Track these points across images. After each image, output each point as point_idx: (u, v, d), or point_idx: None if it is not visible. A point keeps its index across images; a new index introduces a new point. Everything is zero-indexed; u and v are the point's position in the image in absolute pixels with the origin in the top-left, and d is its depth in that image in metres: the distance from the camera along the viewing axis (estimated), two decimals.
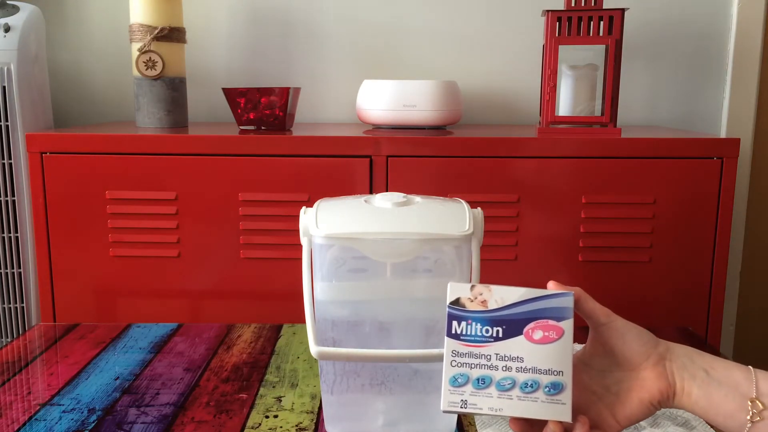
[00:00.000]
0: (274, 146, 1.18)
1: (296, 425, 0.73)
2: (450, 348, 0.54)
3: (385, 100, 1.35)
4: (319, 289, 0.67)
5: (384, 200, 0.68)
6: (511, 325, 0.54)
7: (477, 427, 0.73)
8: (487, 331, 0.54)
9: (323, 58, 1.61)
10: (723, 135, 1.59)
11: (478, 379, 0.53)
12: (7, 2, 1.38)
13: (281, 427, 0.73)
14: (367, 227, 0.65)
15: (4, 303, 1.35)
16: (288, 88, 1.32)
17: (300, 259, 0.66)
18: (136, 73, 1.36)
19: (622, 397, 0.56)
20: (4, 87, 1.31)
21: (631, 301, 1.19)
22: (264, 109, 1.33)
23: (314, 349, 0.62)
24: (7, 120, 1.31)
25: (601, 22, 1.21)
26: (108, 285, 1.21)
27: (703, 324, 1.21)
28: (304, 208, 0.69)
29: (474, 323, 0.54)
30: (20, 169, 1.32)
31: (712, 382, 0.55)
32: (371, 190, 1.18)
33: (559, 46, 1.22)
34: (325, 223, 0.65)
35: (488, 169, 1.17)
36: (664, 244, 1.18)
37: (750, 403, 0.53)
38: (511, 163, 1.17)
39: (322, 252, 0.66)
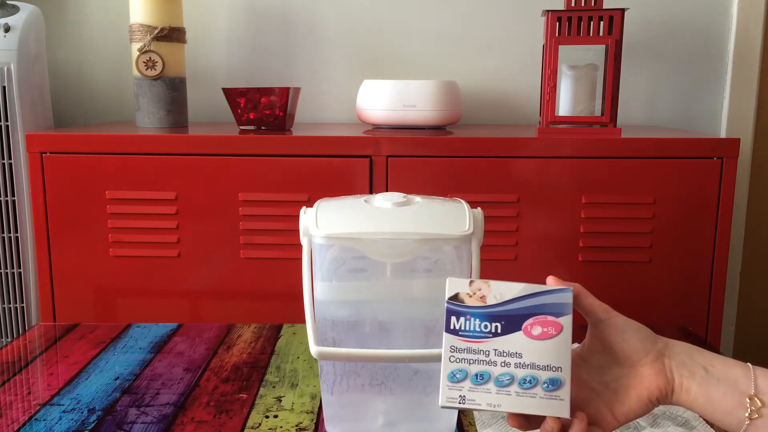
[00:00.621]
0: (274, 146, 1.18)
1: (296, 425, 0.73)
2: (448, 343, 0.54)
3: (385, 100, 1.35)
4: (319, 289, 0.67)
5: (384, 200, 0.68)
6: (509, 320, 0.54)
7: (477, 427, 0.73)
8: (485, 326, 0.54)
9: (323, 58, 1.61)
10: (723, 135, 1.59)
11: (476, 375, 0.53)
12: (7, 2, 1.38)
13: (281, 427, 0.73)
14: (367, 227, 0.65)
15: (4, 303, 1.35)
16: (288, 88, 1.32)
17: (300, 259, 0.66)
18: (136, 73, 1.36)
19: (620, 393, 0.56)
20: (4, 87, 1.31)
21: (631, 301, 1.19)
22: (264, 109, 1.33)
23: (314, 349, 0.62)
24: (7, 120, 1.31)
25: (601, 22, 1.21)
26: (108, 285, 1.21)
27: (703, 324, 1.21)
28: (304, 208, 0.69)
29: (473, 319, 0.54)
30: (20, 169, 1.32)
31: (711, 380, 0.55)
32: (371, 190, 1.18)
33: (559, 46, 1.22)
34: (325, 223, 0.65)
35: (488, 169, 1.17)
36: (664, 244, 1.18)
37: (748, 401, 0.53)
38: (511, 163, 1.17)
39: (322, 252, 0.66)
